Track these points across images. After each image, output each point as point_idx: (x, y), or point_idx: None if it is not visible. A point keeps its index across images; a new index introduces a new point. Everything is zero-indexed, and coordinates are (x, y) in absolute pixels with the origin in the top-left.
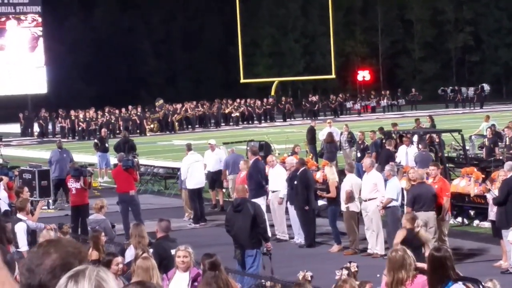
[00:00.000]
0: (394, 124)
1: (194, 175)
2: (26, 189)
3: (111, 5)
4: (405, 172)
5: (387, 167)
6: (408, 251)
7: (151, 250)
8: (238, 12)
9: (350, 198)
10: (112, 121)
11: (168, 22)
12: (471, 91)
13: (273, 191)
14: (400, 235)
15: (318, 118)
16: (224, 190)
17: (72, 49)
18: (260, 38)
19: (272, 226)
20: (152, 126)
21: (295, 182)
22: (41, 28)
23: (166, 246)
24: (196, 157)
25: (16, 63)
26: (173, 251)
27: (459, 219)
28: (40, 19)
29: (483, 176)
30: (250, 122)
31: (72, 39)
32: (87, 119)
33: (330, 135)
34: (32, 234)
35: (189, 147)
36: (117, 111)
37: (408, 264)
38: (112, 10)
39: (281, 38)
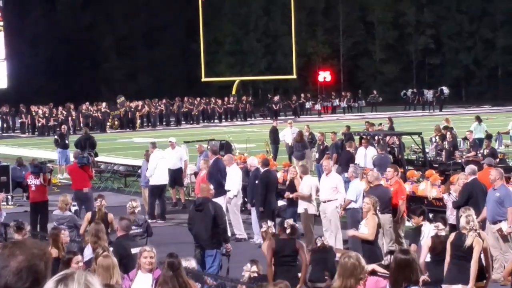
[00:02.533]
0: (371, 124)
1: (158, 172)
2: None
3: (73, 0)
4: (366, 173)
5: (351, 169)
6: (361, 258)
7: (111, 249)
8: (200, 9)
9: (308, 199)
10: (73, 117)
11: (131, 19)
12: (430, 94)
13: (228, 190)
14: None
15: (279, 118)
16: (184, 188)
17: (33, 44)
18: (222, 36)
19: (231, 225)
20: (112, 123)
21: (256, 182)
22: (1, 22)
23: (126, 245)
24: (162, 154)
25: None
26: (133, 250)
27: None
28: (0, 13)
29: (441, 178)
30: (211, 120)
31: (33, 34)
32: (47, 115)
33: (300, 134)
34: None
35: (154, 145)
36: (79, 107)
37: (358, 273)
38: (74, 6)
39: (243, 37)
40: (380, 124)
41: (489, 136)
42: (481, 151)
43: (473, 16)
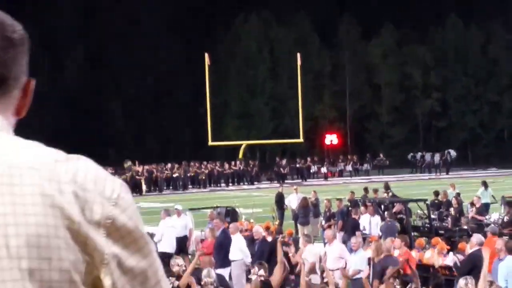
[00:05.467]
0: (376, 191)
1: (166, 239)
2: None
3: (80, 63)
4: (372, 241)
5: (353, 239)
6: None
7: None
8: (207, 73)
9: (312, 270)
10: None
11: (138, 82)
12: (437, 157)
13: (233, 260)
14: None
15: (286, 182)
16: (190, 256)
17: (39, 109)
18: (229, 99)
19: None
20: None
21: (263, 251)
22: None
23: None
24: (172, 223)
25: None
26: None
27: None
28: None
29: (448, 247)
30: (218, 184)
31: (39, 97)
32: None
33: (305, 199)
34: None
35: (167, 213)
36: None
37: None
38: (82, 69)
39: (250, 100)
40: (377, 190)
41: (510, 204)
42: (488, 216)
43: (479, 79)
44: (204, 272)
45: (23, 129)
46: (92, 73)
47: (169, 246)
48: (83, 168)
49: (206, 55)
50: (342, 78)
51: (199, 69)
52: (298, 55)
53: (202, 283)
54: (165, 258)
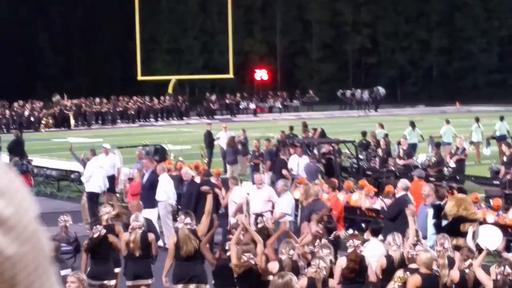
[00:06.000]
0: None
1: (94, 179)
2: None
3: None
4: (300, 183)
5: (281, 182)
6: (294, 278)
7: None
8: (137, 7)
9: (239, 211)
10: (6, 115)
11: (67, 15)
12: (365, 94)
13: (159, 201)
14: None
15: (215, 117)
16: (118, 194)
17: None
18: (159, 34)
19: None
20: (47, 122)
21: (191, 193)
22: None
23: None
24: (99, 163)
25: None
26: (62, 272)
27: (350, 231)
28: None
29: (375, 190)
30: (147, 119)
31: None
32: None
33: (232, 139)
34: None
35: (93, 153)
36: (12, 105)
37: None
38: (10, 1)
39: (180, 35)
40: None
41: (437, 144)
42: (416, 157)
43: (410, 16)
44: (132, 217)
45: None
46: (20, 5)
47: (97, 187)
48: None
49: None
50: (272, 13)
51: (129, 3)
52: None
53: (130, 227)
54: (94, 197)
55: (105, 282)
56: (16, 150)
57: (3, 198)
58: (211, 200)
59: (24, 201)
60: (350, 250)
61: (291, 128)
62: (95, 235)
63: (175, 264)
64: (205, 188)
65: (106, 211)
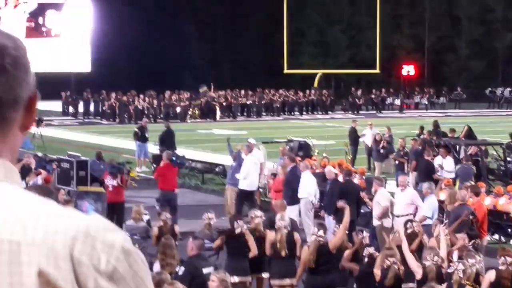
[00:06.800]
0: (453, 130)
1: (251, 177)
2: (62, 191)
3: None
4: (447, 185)
5: (425, 185)
6: None
7: (181, 269)
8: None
9: (385, 214)
10: (154, 105)
11: (213, 5)
12: (507, 91)
13: (300, 198)
14: None
15: (360, 112)
16: (261, 190)
17: (117, 28)
18: (306, 27)
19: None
20: (193, 112)
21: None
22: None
23: (198, 265)
24: (256, 160)
25: (61, 40)
26: (205, 270)
27: (496, 236)
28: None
29: None
30: (292, 113)
31: (118, 19)
32: (129, 102)
33: (379, 136)
34: None
35: (249, 149)
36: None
37: None
38: None
39: (327, 28)
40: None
41: None
42: None
43: None
44: (278, 216)
45: (103, 53)
46: None
47: (251, 185)
48: (80, 241)
49: None
50: (421, 8)
51: None
52: None
53: (276, 227)
54: (249, 195)
55: (241, 277)
56: (168, 141)
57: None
58: (348, 214)
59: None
60: (502, 267)
61: (422, 128)
62: (237, 230)
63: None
64: (340, 204)
65: (258, 215)
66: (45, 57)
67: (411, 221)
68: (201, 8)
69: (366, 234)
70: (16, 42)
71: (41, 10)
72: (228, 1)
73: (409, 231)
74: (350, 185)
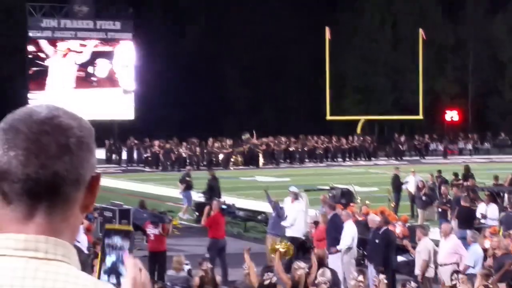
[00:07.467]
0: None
1: (297, 224)
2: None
3: (197, 33)
4: (493, 233)
5: (469, 233)
6: None
7: None
8: (327, 47)
9: (425, 267)
10: (197, 153)
11: (254, 50)
12: None
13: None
14: None
15: (403, 158)
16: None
17: (160, 75)
18: (348, 73)
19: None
20: (236, 159)
21: (376, 241)
22: (133, 54)
23: None
24: (302, 207)
25: (104, 88)
26: None
27: None
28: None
29: None
30: (334, 159)
31: (160, 65)
32: (171, 149)
33: (422, 184)
34: None
35: (296, 196)
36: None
37: None
38: (199, 38)
39: (370, 73)
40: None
41: None
42: None
43: None
44: (320, 271)
45: (145, 97)
46: (208, 40)
47: (299, 231)
48: None
49: (327, 28)
50: (465, 52)
51: (319, 37)
52: (421, 30)
53: (316, 282)
54: (296, 243)
55: None
56: (214, 189)
57: None
58: None
59: None
60: None
61: (439, 171)
62: (266, 282)
63: None
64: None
65: (302, 267)
66: (90, 105)
67: (457, 272)
68: (242, 53)
69: (414, 285)
70: (81, 122)
71: (92, 59)
72: (270, 45)
73: (453, 282)
74: (391, 233)
